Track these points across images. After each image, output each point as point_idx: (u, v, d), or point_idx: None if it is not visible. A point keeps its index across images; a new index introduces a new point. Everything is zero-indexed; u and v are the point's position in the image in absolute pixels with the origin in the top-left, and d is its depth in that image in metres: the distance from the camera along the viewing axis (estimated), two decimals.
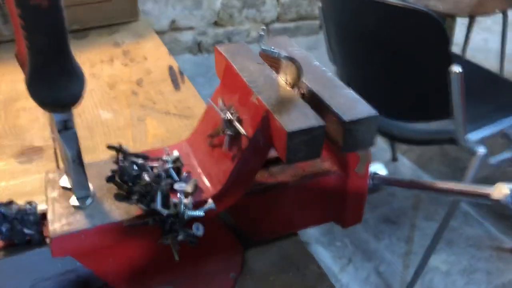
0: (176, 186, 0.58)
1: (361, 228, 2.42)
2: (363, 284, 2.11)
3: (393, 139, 2.09)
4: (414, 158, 2.70)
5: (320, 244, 2.26)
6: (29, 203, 0.59)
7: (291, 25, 3.89)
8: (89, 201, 0.58)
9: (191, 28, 3.62)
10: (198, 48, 3.72)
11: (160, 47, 1.28)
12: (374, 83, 1.76)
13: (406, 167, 2.64)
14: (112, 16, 1.37)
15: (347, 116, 0.53)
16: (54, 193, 0.60)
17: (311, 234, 2.30)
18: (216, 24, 3.69)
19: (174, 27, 3.57)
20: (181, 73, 1.15)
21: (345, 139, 0.53)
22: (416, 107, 1.76)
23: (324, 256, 2.20)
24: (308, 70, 0.63)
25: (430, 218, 2.30)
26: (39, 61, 0.46)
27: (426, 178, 2.55)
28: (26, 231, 0.57)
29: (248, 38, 3.74)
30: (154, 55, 1.24)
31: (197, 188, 0.61)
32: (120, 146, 0.63)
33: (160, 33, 3.42)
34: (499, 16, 2.35)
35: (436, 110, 1.90)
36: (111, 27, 1.36)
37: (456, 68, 1.49)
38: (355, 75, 1.85)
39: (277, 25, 3.86)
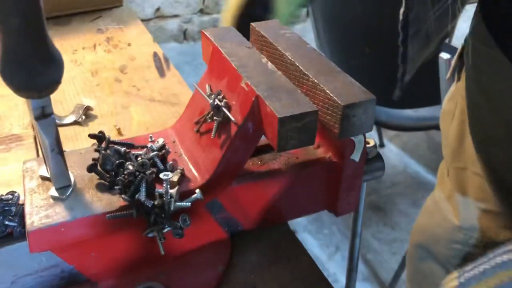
0: (162, 175, 0.55)
1: (349, 215, 2.42)
2: None
3: (381, 125, 2.09)
4: (401, 144, 2.70)
5: (308, 232, 2.26)
6: (11, 193, 0.56)
7: None
8: (69, 192, 0.55)
9: (176, 16, 3.58)
10: (183, 36, 3.68)
11: (144, 33, 1.25)
12: (362, 69, 1.74)
13: (393, 153, 2.64)
14: (95, 2, 1.33)
15: (343, 100, 0.51)
16: (32, 184, 0.57)
17: (299, 222, 2.29)
18: (201, 11, 3.64)
19: (159, 15, 3.53)
20: (166, 60, 1.12)
21: (342, 125, 0.51)
22: (404, 94, 1.75)
23: (312, 244, 2.20)
24: (302, 54, 0.60)
25: (417, 205, 2.30)
26: (12, 44, 0.43)
27: (413, 164, 2.56)
28: (7, 223, 0.54)
29: None
30: (138, 41, 1.21)
31: (183, 178, 0.59)
32: (102, 134, 0.60)
33: (144, 21, 3.38)
34: None
35: (424, 97, 1.89)
36: (94, 13, 1.33)
37: (444, 55, 1.48)
38: (343, 62, 1.84)
39: None
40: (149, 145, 0.61)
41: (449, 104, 0.98)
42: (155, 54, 1.15)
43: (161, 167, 0.59)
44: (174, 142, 0.65)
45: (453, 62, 0.96)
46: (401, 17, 0.81)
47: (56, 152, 0.53)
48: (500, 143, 0.76)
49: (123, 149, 0.59)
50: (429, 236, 1.02)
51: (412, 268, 1.13)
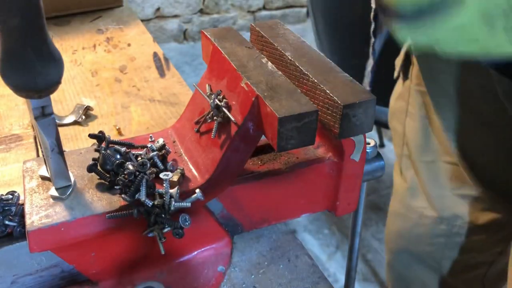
0: (162, 175, 0.55)
1: (349, 215, 2.41)
2: None
3: (381, 125, 2.09)
4: None
5: (308, 232, 2.25)
6: (11, 193, 0.56)
7: (278, 12, 3.87)
8: (69, 191, 0.55)
9: (176, 16, 3.57)
10: (183, 36, 3.68)
11: (144, 33, 1.25)
12: (362, 70, 1.74)
13: (393, 153, 2.63)
14: (95, 2, 1.33)
15: (343, 100, 0.51)
16: (32, 183, 0.57)
17: (299, 222, 2.29)
18: (201, 12, 3.64)
19: (159, 15, 3.53)
20: (166, 60, 1.12)
21: (342, 125, 0.51)
22: None
23: (312, 244, 2.20)
24: (302, 54, 0.60)
25: None
26: (11, 43, 0.43)
27: None
28: (7, 222, 0.54)
29: (234, 26, 3.71)
30: (138, 41, 1.21)
31: (183, 178, 0.59)
32: (102, 134, 0.60)
33: (144, 21, 3.38)
34: None
35: None
36: (94, 13, 1.33)
37: None
38: (343, 63, 1.83)
39: (263, 13, 3.83)
40: (149, 145, 0.61)
41: (399, 102, 1.00)
42: (155, 54, 1.15)
43: (161, 167, 0.59)
44: (174, 142, 0.65)
45: (398, 61, 0.97)
46: None
47: (56, 152, 0.53)
48: (468, 131, 0.78)
49: (123, 149, 0.59)
50: (408, 238, 1.03)
51: (394, 275, 1.13)
